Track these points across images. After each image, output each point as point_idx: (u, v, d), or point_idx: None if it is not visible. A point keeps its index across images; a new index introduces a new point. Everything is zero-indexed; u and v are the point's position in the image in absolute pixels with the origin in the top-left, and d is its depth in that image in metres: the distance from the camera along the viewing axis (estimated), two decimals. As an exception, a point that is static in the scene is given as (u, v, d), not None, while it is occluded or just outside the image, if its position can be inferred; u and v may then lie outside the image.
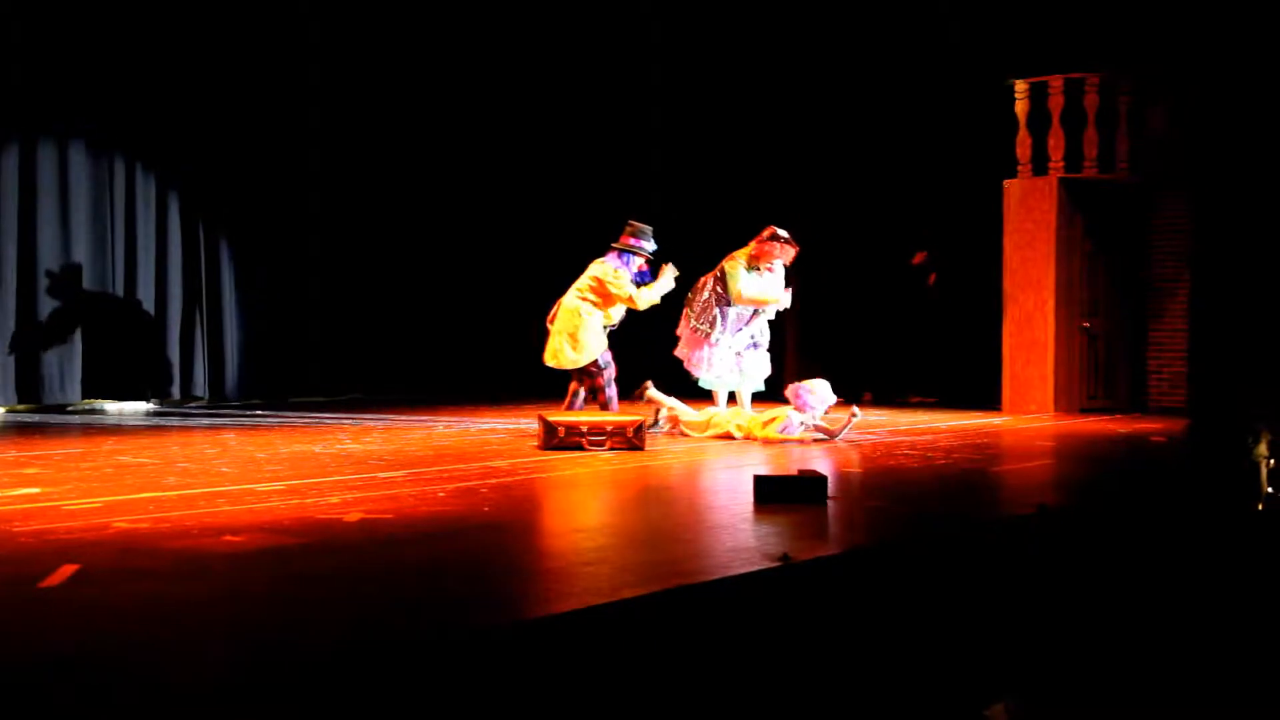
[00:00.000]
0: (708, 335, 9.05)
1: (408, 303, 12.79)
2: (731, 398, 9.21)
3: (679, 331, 9.25)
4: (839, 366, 9.72)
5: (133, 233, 11.22)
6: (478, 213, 13.19)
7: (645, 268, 8.94)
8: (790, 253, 9.02)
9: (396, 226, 12.78)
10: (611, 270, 8.81)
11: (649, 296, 8.85)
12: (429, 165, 12.96)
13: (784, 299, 9.11)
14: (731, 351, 9.10)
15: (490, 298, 12.81)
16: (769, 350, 9.38)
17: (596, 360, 8.78)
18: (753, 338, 9.19)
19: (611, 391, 8.87)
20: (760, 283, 9.01)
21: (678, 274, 8.96)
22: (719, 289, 9.03)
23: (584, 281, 8.86)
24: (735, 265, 9.00)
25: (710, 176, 13.47)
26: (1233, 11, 11.04)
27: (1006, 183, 11.43)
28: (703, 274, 9.27)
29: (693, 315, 9.13)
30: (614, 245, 8.92)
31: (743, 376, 9.15)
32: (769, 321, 9.30)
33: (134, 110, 11.06)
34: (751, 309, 9.06)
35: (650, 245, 8.95)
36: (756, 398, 9.33)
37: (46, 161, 10.65)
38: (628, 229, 8.98)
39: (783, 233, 8.98)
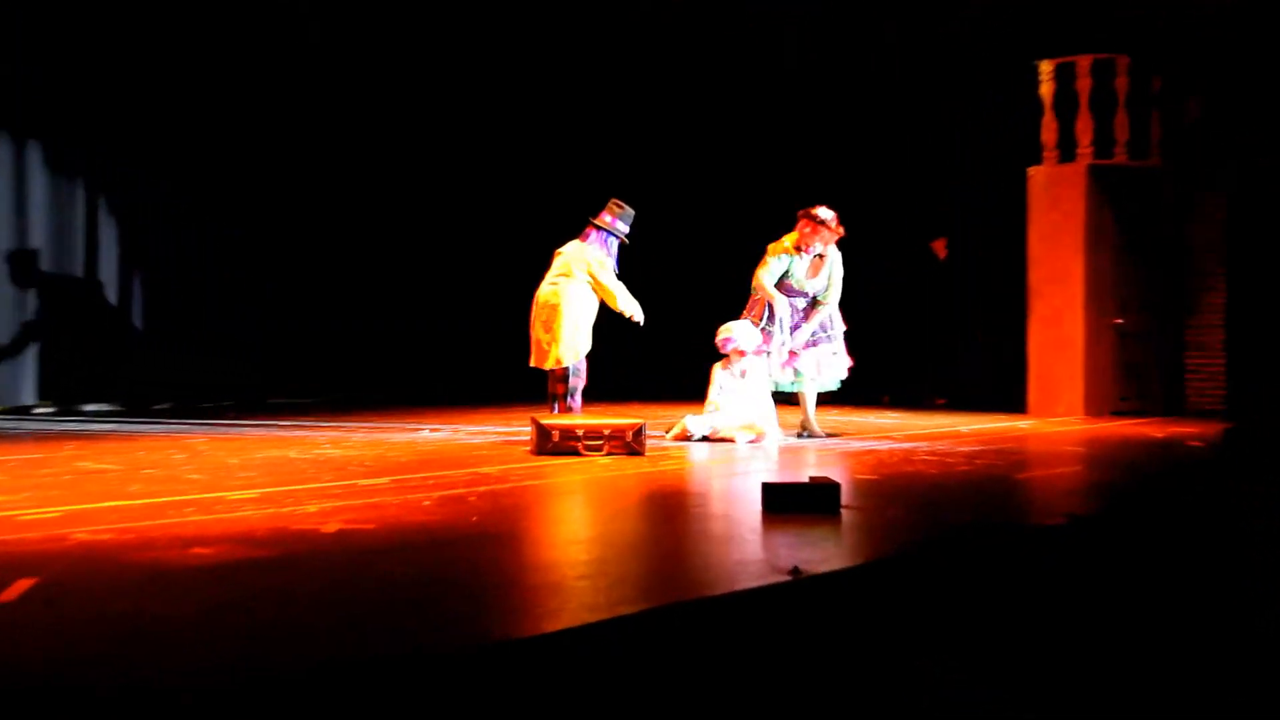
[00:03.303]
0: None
1: (392, 303, 12.85)
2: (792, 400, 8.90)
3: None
4: (855, 368, 9.49)
5: (94, 226, 11.28)
6: (467, 215, 13.32)
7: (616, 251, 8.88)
8: (829, 235, 8.68)
9: (382, 228, 12.92)
10: (598, 260, 8.73)
11: (624, 303, 8.74)
12: (421, 171, 13.15)
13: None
14: (785, 349, 8.70)
15: (478, 298, 12.84)
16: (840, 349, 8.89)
17: (575, 364, 8.70)
18: (813, 334, 8.76)
19: (575, 402, 8.74)
20: (798, 265, 8.70)
21: (641, 324, 8.81)
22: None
23: (570, 267, 8.72)
24: (777, 250, 8.75)
25: (726, 168, 13.49)
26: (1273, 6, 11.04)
27: (1031, 170, 11.39)
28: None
29: (750, 312, 8.87)
30: (593, 221, 8.83)
31: (799, 376, 8.74)
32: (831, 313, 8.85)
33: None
34: (807, 299, 8.78)
35: (626, 229, 8.85)
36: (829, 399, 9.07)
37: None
38: (612, 206, 8.86)
39: (823, 213, 8.68)
